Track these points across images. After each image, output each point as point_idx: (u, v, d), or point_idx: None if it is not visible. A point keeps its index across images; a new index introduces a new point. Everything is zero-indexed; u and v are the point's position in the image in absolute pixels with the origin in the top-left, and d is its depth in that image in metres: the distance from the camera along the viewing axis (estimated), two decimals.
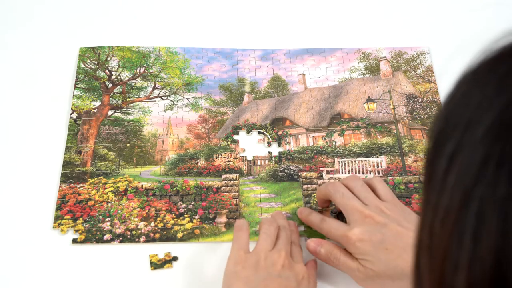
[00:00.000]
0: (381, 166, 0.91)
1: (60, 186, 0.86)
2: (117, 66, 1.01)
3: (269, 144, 0.95)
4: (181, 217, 0.84)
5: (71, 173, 0.88)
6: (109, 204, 0.85)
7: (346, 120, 0.97)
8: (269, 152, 0.94)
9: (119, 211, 0.84)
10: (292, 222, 0.81)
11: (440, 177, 0.34)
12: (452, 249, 0.32)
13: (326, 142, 0.95)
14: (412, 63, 1.03)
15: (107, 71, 1.01)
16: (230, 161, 0.93)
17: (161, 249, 0.80)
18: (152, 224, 0.83)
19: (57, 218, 0.83)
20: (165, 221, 0.83)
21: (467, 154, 0.32)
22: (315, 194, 0.86)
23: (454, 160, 0.33)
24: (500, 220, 0.30)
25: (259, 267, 0.70)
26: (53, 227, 0.82)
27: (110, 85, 1.00)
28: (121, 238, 0.81)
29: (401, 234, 0.70)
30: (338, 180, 0.79)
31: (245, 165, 0.92)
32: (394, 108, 0.98)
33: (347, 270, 0.73)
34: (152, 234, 0.82)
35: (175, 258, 0.79)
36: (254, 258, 0.71)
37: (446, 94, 0.37)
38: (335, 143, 0.95)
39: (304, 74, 1.02)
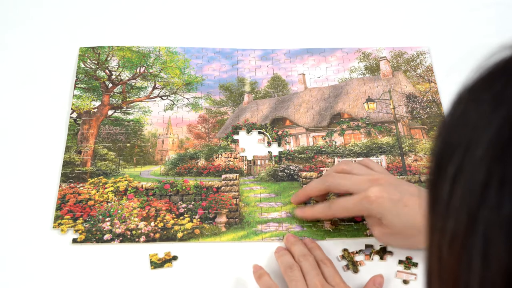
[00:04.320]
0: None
1: (60, 186, 0.86)
2: (117, 66, 1.01)
3: (269, 144, 0.95)
4: (181, 217, 0.84)
5: (71, 173, 0.88)
6: (109, 204, 0.85)
7: (346, 120, 0.97)
8: (269, 152, 0.94)
9: (119, 211, 0.84)
10: (308, 240, 0.80)
11: (444, 201, 0.34)
12: (462, 274, 0.32)
13: (326, 142, 0.95)
14: (412, 63, 1.03)
15: (107, 71, 1.01)
16: (230, 161, 0.93)
17: (161, 249, 0.80)
18: (152, 224, 0.83)
19: (57, 218, 0.83)
20: (165, 221, 0.83)
21: (469, 176, 0.32)
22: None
23: (456, 182, 0.33)
24: (508, 241, 0.29)
25: None
26: (53, 227, 0.82)
27: (110, 85, 1.00)
28: (121, 238, 0.81)
29: (414, 193, 0.72)
30: (329, 170, 0.82)
31: (245, 165, 0.92)
32: (394, 108, 0.98)
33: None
34: (152, 234, 0.82)
35: (175, 258, 0.79)
36: None
37: (445, 114, 0.37)
38: (335, 143, 0.95)
39: (304, 74, 1.02)
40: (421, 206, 0.70)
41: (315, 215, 0.81)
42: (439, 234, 0.34)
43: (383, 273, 0.77)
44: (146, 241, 0.81)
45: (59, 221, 0.83)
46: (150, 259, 0.79)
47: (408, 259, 0.79)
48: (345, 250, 0.80)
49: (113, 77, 1.00)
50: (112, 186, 0.87)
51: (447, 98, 0.98)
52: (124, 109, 0.97)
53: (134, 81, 1.00)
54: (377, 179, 0.75)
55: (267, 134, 0.96)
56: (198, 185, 0.88)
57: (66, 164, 0.89)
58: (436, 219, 0.34)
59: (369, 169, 0.79)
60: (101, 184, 0.88)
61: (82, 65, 1.01)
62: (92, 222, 0.83)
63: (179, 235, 0.82)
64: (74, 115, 0.95)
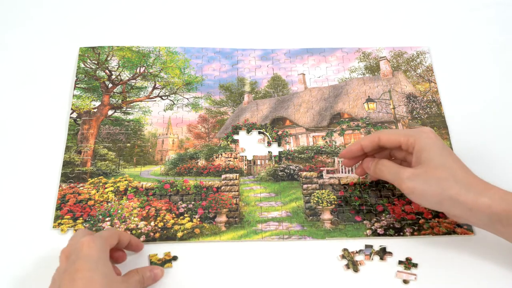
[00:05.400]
0: None
1: (60, 186, 0.86)
2: (117, 66, 1.01)
3: (269, 144, 0.95)
4: (181, 217, 0.84)
5: (71, 173, 0.88)
6: (109, 204, 0.85)
7: (346, 119, 0.97)
8: (269, 151, 0.94)
9: (119, 211, 0.84)
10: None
11: None
12: None
13: (326, 141, 0.95)
14: (412, 63, 1.03)
15: (107, 71, 1.01)
16: (230, 160, 0.93)
17: (161, 249, 0.80)
18: (152, 223, 0.83)
19: (57, 218, 0.83)
20: (165, 220, 0.83)
21: None
22: (315, 193, 0.86)
23: None
24: None
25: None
26: (53, 227, 0.82)
27: (110, 85, 1.00)
28: None
29: (463, 165, 0.74)
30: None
31: (245, 165, 0.92)
32: (394, 108, 0.98)
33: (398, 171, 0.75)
34: (152, 234, 0.82)
35: (175, 258, 0.79)
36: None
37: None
38: (335, 142, 0.95)
39: (304, 74, 1.02)
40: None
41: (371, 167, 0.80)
42: None
43: (383, 273, 0.77)
44: (146, 240, 0.81)
45: (59, 221, 0.83)
46: (150, 260, 0.79)
47: (408, 259, 0.79)
48: (345, 250, 0.80)
49: (113, 77, 1.00)
50: (112, 186, 0.88)
51: (447, 98, 0.98)
52: (124, 109, 0.97)
53: (134, 81, 1.00)
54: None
55: (267, 134, 0.96)
56: (198, 185, 0.88)
57: (66, 164, 0.89)
58: None
59: None
60: (101, 184, 0.88)
61: (82, 65, 1.01)
62: (92, 222, 0.83)
63: (179, 234, 0.82)
64: (74, 115, 0.95)
